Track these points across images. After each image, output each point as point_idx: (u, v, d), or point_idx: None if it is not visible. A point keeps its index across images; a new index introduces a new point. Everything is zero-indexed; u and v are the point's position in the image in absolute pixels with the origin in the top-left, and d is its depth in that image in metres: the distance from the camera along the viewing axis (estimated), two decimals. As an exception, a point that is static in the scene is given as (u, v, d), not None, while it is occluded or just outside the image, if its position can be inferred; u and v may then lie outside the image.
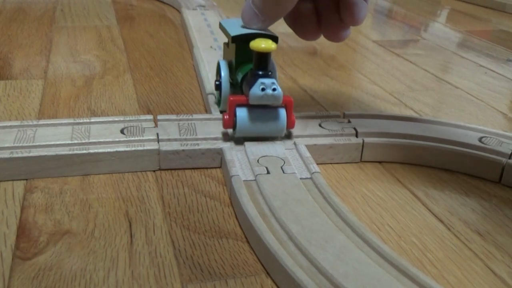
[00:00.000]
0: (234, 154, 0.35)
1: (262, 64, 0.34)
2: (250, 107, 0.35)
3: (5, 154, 0.33)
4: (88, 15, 0.75)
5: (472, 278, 0.27)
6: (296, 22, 0.38)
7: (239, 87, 0.37)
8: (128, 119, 0.38)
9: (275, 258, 0.26)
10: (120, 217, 0.31)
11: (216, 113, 0.41)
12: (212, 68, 0.50)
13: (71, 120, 0.38)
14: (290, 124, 0.36)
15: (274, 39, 0.35)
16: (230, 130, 0.37)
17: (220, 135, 0.37)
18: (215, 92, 0.42)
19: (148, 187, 0.34)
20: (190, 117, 0.39)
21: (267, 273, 0.27)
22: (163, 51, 0.61)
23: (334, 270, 0.25)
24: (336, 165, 0.38)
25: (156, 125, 0.38)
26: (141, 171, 0.36)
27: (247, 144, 0.36)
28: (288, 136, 0.37)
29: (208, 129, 0.38)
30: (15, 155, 0.33)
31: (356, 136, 0.38)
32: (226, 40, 0.40)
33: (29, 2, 0.80)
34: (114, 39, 0.64)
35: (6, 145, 0.34)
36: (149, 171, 0.36)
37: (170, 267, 0.27)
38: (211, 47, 0.56)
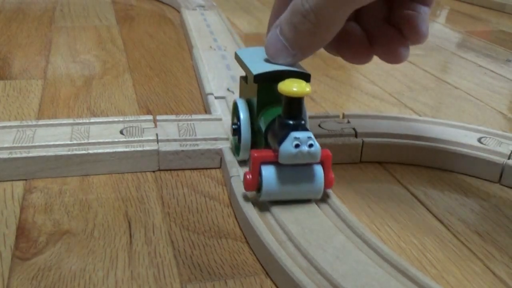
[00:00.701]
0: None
1: (293, 111, 0.28)
2: (279, 164, 0.28)
3: (4, 154, 0.33)
4: (88, 15, 0.75)
5: (472, 278, 0.27)
6: (342, 45, 0.32)
7: (261, 134, 0.31)
8: (127, 119, 0.38)
9: (274, 259, 0.26)
10: (120, 217, 0.31)
11: (215, 113, 0.41)
12: (212, 68, 0.50)
13: (70, 121, 0.38)
14: (328, 184, 0.29)
15: (306, 77, 0.29)
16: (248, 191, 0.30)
17: (219, 136, 0.37)
18: (230, 137, 0.35)
19: (148, 187, 0.34)
20: (190, 117, 0.39)
21: (267, 273, 0.27)
22: (162, 51, 0.61)
23: (333, 270, 0.25)
24: (335, 166, 0.38)
25: (155, 126, 0.38)
26: (140, 172, 0.36)
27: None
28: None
29: (207, 130, 0.38)
30: (14, 156, 0.33)
31: (356, 136, 0.38)
32: (239, 66, 0.34)
33: (29, 2, 0.80)
34: (113, 39, 0.64)
35: (5, 145, 0.34)
36: (149, 171, 0.36)
37: (169, 267, 0.27)
38: (210, 47, 0.56)
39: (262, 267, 0.27)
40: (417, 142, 0.38)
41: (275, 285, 0.26)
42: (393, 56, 0.31)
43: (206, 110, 0.45)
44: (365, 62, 0.33)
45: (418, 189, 0.35)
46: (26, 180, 0.34)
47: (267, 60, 0.31)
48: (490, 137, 0.38)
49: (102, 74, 0.53)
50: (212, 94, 0.44)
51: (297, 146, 0.27)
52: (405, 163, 0.38)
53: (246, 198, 0.30)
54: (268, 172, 0.28)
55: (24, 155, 0.34)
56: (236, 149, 0.34)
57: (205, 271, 0.27)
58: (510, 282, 0.27)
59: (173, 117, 0.39)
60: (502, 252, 0.29)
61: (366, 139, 0.38)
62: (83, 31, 0.67)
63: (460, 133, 0.39)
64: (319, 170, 0.29)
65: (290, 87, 0.27)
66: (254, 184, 0.29)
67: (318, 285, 0.24)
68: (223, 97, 0.44)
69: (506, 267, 0.28)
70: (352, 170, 0.37)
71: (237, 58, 0.34)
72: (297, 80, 0.28)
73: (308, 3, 0.28)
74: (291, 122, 0.28)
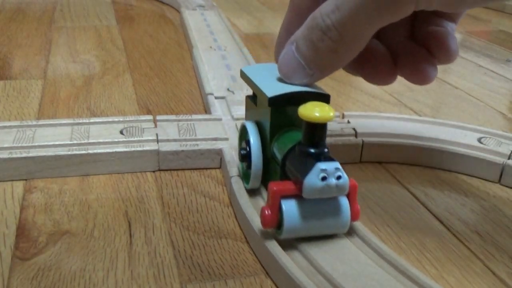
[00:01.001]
0: (233, 154, 0.35)
1: (315, 138, 0.25)
2: (301, 198, 0.25)
3: (4, 154, 0.33)
4: (88, 15, 0.75)
5: (472, 278, 0.27)
6: (364, 64, 0.29)
7: (276, 161, 0.29)
8: (127, 119, 0.38)
9: (274, 259, 0.26)
10: (120, 217, 0.31)
11: (215, 113, 0.41)
12: (212, 68, 0.50)
13: (70, 121, 0.38)
14: (354, 216, 0.27)
15: (326, 99, 0.27)
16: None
17: (219, 136, 0.37)
18: (238, 162, 0.32)
19: (148, 187, 0.34)
20: (190, 117, 0.39)
21: (267, 273, 0.27)
22: (162, 51, 0.61)
23: (333, 271, 0.25)
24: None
25: (155, 126, 0.38)
26: (140, 172, 0.36)
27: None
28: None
29: (207, 130, 0.38)
30: (14, 156, 0.33)
31: (356, 136, 0.38)
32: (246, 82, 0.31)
33: (29, 2, 0.80)
34: (113, 39, 0.64)
35: (5, 145, 0.34)
36: (149, 171, 0.36)
37: (169, 267, 0.27)
38: (210, 47, 0.56)
39: (262, 267, 0.27)
40: (417, 142, 0.38)
41: (275, 285, 0.26)
42: (420, 76, 0.29)
43: (206, 110, 0.45)
44: (389, 82, 0.30)
45: (418, 189, 0.35)
46: (26, 180, 0.34)
47: (280, 80, 0.28)
48: (490, 137, 0.38)
49: (102, 74, 0.53)
50: (212, 94, 0.44)
51: (323, 178, 0.24)
52: (405, 163, 0.38)
53: (246, 198, 0.30)
54: (290, 207, 0.25)
55: (24, 155, 0.34)
56: (245, 177, 0.32)
57: (205, 271, 0.27)
58: (510, 282, 0.27)
59: (173, 117, 0.39)
60: (502, 252, 0.29)
61: (366, 139, 0.38)
62: (83, 31, 0.67)
63: (460, 133, 0.39)
64: (345, 202, 0.26)
65: (312, 111, 0.24)
66: (274, 220, 0.26)
67: (318, 285, 0.24)
68: (223, 97, 0.44)
69: (506, 267, 0.28)
70: (352, 170, 0.37)
71: (244, 76, 0.31)
72: (319, 104, 0.25)
73: (330, 18, 0.25)
74: (313, 150, 0.25)
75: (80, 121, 0.38)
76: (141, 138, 0.36)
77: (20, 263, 0.27)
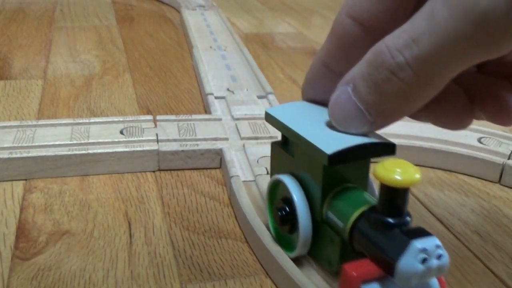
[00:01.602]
0: (233, 154, 0.35)
1: (397, 205, 0.21)
2: (384, 279, 0.21)
3: (4, 154, 0.33)
4: (88, 15, 0.75)
5: (472, 278, 0.27)
6: (436, 108, 0.24)
7: (328, 226, 0.24)
8: (127, 119, 0.38)
9: (274, 259, 0.26)
10: (120, 217, 0.31)
11: (215, 113, 0.41)
12: (212, 68, 0.50)
13: (70, 121, 0.38)
14: None
15: (391, 149, 0.23)
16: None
17: (219, 136, 0.37)
18: (269, 223, 0.27)
19: (148, 187, 0.34)
20: (190, 117, 0.39)
21: (267, 273, 0.27)
22: (162, 51, 0.61)
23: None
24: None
25: (155, 126, 0.38)
26: (140, 172, 0.36)
27: (246, 144, 0.36)
28: None
29: (207, 130, 0.38)
30: (14, 155, 0.33)
31: (356, 136, 0.38)
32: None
33: (29, 2, 0.80)
34: (113, 39, 0.64)
35: (5, 145, 0.34)
36: (149, 171, 0.36)
37: (169, 267, 0.27)
38: (210, 47, 0.56)
39: (262, 267, 0.27)
40: (417, 142, 0.38)
41: (275, 285, 0.26)
42: (507, 113, 0.23)
43: (206, 110, 0.45)
44: (466, 126, 0.25)
45: (418, 189, 0.35)
46: (26, 180, 0.34)
47: (326, 126, 0.24)
48: (490, 137, 0.38)
49: (102, 74, 0.53)
50: (212, 94, 0.44)
51: (424, 260, 0.19)
52: (405, 163, 0.38)
53: (246, 198, 0.30)
54: None
55: (24, 155, 0.34)
56: (283, 242, 0.26)
57: (205, 271, 0.27)
58: (510, 282, 0.27)
59: (173, 117, 0.39)
60: (502, 252, 0.29)
61: (366, 139, 0.38)
62: (83, 31, 0.67)
63: (460, 133, 0.39)
64: (434, 283, 0.21)
65: (393, 173, 0.20)
66: None
67: (318, 285, 0.24)
68: (223, 97, 0.44)
69: (506, 267, 0.28)
70: (352, 170, 0.37)
71: (273, 120, 0.25)
72: (399, 162, 0.20)
73: (403, 55, 0.20)
74: (393, 220, 0.20)
75: (80, 121, 0.38)
76: (141, 138, 0.36)
77: (20, 263, 0.27)
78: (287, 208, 0.25)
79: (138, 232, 0.29)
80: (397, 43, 0.20)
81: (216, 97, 0.44)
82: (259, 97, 0.44)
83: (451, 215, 0.32)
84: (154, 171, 0.36)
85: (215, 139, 0.37)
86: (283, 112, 0.25)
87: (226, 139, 0.37)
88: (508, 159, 0.36)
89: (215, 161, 0.36)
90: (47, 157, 0.34)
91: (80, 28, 0.68)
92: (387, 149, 0.23)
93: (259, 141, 0.36)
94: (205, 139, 0.37)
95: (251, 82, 0.47)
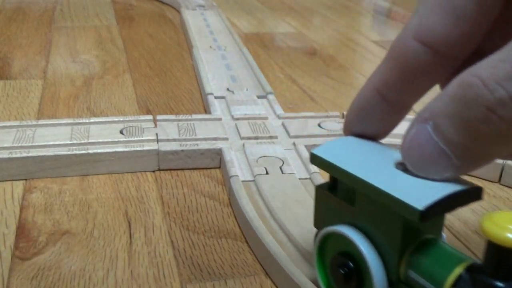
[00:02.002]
0: (233, 154, 0.35)
1: (508, 268, 0.18)
2: None
3: (4, 154, 0.33)
4: (88, 15, 0.75)
5: (471, 278, 0.27)
6: None
7: (404, 285, 0.20)
8: (127, 119, 0.39)
9: (274, 259, 0.26)
10: (120, 217, 0.31)
11: (215, 113, 0.41)
12: (212, 68, 0.50)
13: (70, 120, 0.38)
14: None
15: (478, 195, 0.21)
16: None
17: (219, 135, 0.37)
18: (320, 281, 0.23)
19: (148, 187, 0.34)
20: (190, 117, 0.39)
21: (267, 273, 0.27)
22: (162, 51, 0.61)
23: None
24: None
25: (155, 126, 0.38)
26: (140, 171, 0.36)
27: (246, 144, 0.36)
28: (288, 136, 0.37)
29: (207, 130, 0.38)
30: (14, 155, 0.33)
31: (356, 136, 0.38)
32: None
33: (29, 2, 0.80)
34: (113, 39, 0.64)
35: (5, 145, 0.34)
36: (148, 171, 0.36)
37: (169, 267, 0.27)
38: (210, 47, 0.56)
39: (262, 267, 0.27)
40: (417, 142, 0.38)
41: (275, 285, 0.26)
42: None
43: (206, 110, 0.45)
44: None
45: (418, 189, 0.35)
46: (26, 180, 0.34)
47: (400, 168, 0.20)
48: (490, 137, 0.38)
49: (102, 74, 0.53)
50: (212, 94, 0.44)
51: None
52: (405, 163, 0.38)
53: (246, 198, 0.30)
54: None
55: (24, 155, 0.34)
56: None
57: (205, 271, 0.27)
58: (510, 282, 0.27)
59: (173, 117, 0.39)
60: (502, 252, 0.29)
61: (366, 139, 0.38)
62: (83, 31, 0.67)
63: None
64: None
65: (505, 231, 0.17)
66: None
67: (318, 285, 0.24)
68: (223, 97, 0.44)
69: (506, 267, 0.28)
70: (352, 170, 0.37)
71: (326, 164, 0.22)
72: (510, 216, 0.18)
73: (505, 88, 0.16)
74: (502, 284, 0.18)
75: (80, 121, 0.38)
76: (141, 138, 0.36)
77: (20, 263, 0.27)
78: (351, 264, 0.21)
79: (138, 232, 0.29)
80: (495, 75, 0.17)
81: (216, 97, 0.44)
82: (259, 97, 0.44)
83: (451, 215, 0.32)
84: (154, 171, 0.36)
85: (215, 139, 0.37)
86: (334, 152, 0.22)
87: (226, 139, 0.37)
88: (508, 159, 0.36)
89: (215, 161, 0.36)
90: (47, 157, 0.34)
91: (80, 28, 0.68)
92: (477, 195, 0.20)
93: (259, 141, 0.36)
94: (205, 139, 0.37)
95: (251, 82, 0.47)
